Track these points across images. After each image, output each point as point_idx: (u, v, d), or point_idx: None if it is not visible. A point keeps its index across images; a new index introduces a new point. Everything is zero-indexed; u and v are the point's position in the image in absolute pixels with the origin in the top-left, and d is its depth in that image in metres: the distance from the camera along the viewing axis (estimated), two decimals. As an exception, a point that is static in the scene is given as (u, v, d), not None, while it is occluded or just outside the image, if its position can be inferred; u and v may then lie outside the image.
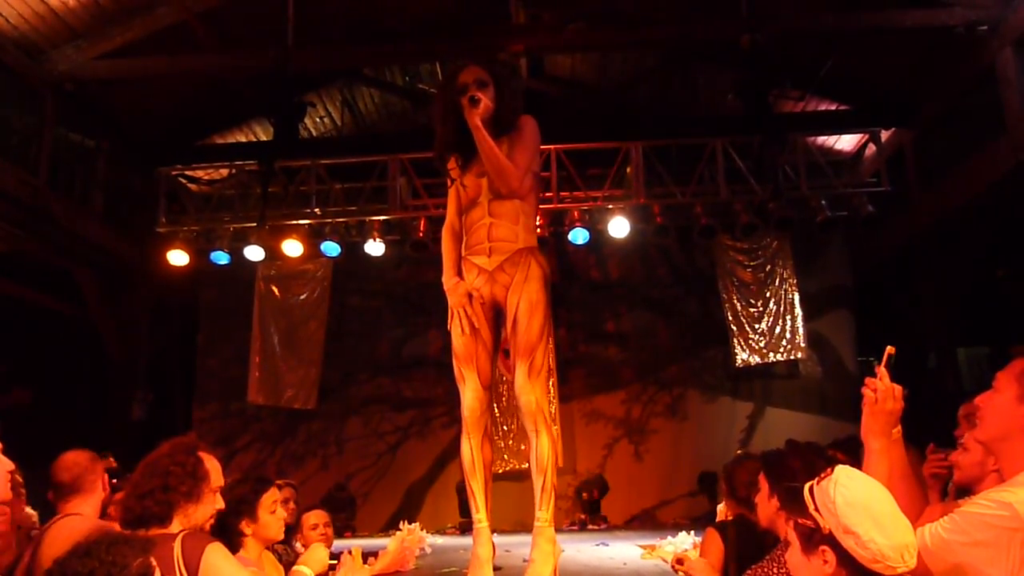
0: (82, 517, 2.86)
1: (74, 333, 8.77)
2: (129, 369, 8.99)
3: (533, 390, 3.23)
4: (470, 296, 3.35)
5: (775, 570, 2.34)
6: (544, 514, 3.19)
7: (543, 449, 3.22)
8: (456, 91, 3.38)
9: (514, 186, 3.35)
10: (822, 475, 1.68)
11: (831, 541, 1.61)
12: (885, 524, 1.58)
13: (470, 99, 3.25)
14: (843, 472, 1.67)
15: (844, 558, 1.59)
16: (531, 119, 3.50)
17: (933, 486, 2.68)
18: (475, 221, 3.43)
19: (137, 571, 1.76)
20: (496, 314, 3.43)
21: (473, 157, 3.41)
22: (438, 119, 3.50)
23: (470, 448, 3.31)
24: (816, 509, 1.64)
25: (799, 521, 1.70)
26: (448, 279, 3.44)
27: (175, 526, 2.31)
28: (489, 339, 3.40)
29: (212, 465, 2.46)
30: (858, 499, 1.60)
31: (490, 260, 3.37)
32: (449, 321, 3.40)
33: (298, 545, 3.94)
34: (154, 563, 1.85)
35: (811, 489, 1.68)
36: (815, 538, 1.65)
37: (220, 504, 2.49)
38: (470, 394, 3.33)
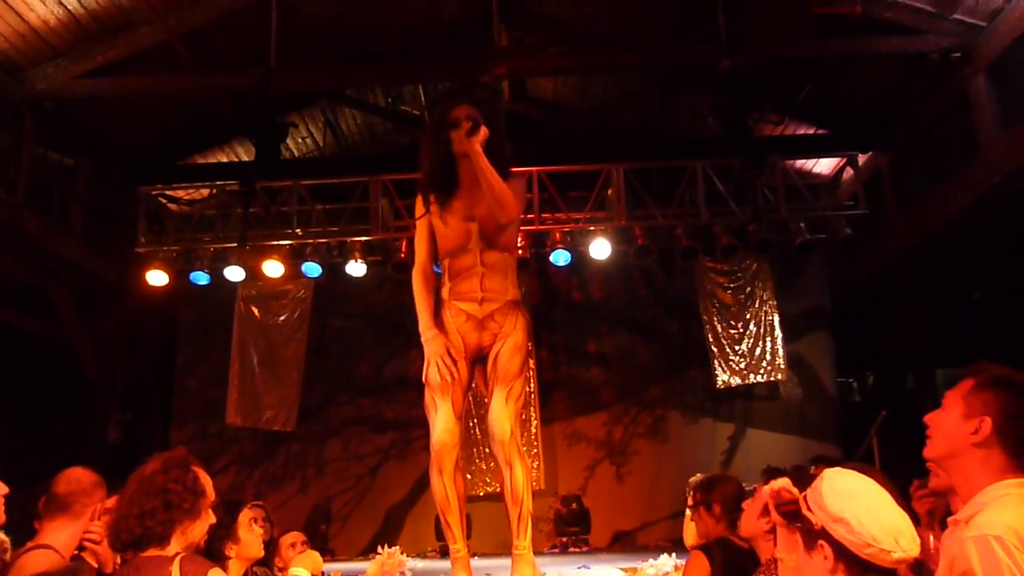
0: (48, 553, 2.62)
1: (51, 353, 8.65)
2: (106, 390, 8.88)
3: (508, 418, 3.22)
4: (448, 350, 3.33)
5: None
6: (523, 542, 3.20)
7: (518, 480, 3.21)
8: (448, 126, 3.35)
9: (513, 215, 3.32)
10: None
11: (825, 535, 1.62)
12: (874, 507, 1.59)
13: (472, 124, 3.22)
14: (831, 470, 1.72)
15: (839, 549, 1.59)
16: (523, 179, 3.54)
17: (928, 522, 2.63)
18: (466, 268, 3.40)
19: None
20: (475, 356, 3.43)
21: (455, 195, 3.40)
22: (426, 157, 3.48)
23: (443, 484, 3.23)
24: (808, 508, 1.67)
25: (798, 525, 1.72)
26: (426, 329, 3.38)
27: (172, 546, 2.25)
28: (465, 377, 3.39)
29: (206, 479, 2.41)
30: (846, 488, 1.63)
31: (481, 308, 3.36)
32: (425, 368, 3.37)
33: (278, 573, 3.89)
34: None
35: (805, 496, 1.71)
36: (812, 535, 1.66)
37: (212, 519, 2.42)
38: (441, 425, 3.25)
